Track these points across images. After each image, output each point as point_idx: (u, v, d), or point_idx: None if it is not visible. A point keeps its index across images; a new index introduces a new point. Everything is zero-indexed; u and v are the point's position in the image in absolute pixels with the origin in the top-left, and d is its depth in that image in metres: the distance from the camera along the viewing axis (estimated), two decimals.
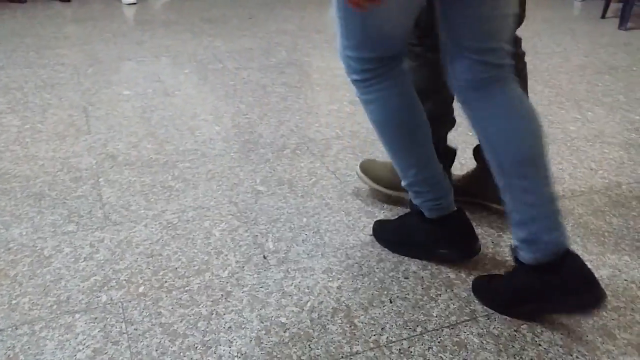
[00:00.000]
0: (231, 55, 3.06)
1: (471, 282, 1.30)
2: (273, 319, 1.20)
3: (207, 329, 1.17)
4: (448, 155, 1.54)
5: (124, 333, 1.17)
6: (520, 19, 1.34)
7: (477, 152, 1.54)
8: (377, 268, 1.36)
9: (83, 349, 1.13)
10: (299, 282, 1.31)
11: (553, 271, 1.11)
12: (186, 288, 1.30)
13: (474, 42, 1.10)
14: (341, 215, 1.58)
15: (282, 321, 1.20)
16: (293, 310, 1.23)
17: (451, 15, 1.09)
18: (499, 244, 1.45)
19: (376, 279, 1.32)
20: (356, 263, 1.38)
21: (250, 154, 1.94)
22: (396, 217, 1.47)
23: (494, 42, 1.10)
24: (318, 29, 3.63)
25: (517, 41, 1.37)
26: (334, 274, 1.34)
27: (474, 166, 1.58)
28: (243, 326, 1.18)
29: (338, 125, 2.17)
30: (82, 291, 1.29)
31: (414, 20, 1.13)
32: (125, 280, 1.32)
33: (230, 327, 1.18)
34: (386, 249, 1.42)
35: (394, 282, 1.31)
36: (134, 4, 4.34)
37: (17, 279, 1.32)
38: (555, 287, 1.11)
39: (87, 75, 2.73)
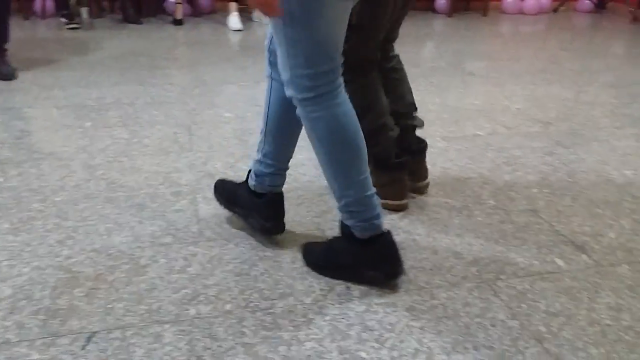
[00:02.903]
0: None
1: (562, 337, 1.23)
2: (353, 352, 1.20)
3: (288, 354, 1.19)
4: (421, 147, 1.85)
5: (208, 349, 1.20)
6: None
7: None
8: (463, 312, 1.32)
9: (168, 359, 1.17)
10: (381, 318, 1.30)
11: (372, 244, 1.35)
12: (270, 310, 1.32)
13: None
14: (428, 253, 1.55)
15: (362, 355, 1.19)
16: (373, 346, 1.21)
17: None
18: None
19: (461, 324, 1.29)
20: (441, 304, 1.35)
21: None
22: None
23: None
24: (415, 63, 3.64)
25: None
26: (416, 313, 1.32)
27: None
28: (322, 356, 1.19)
29: (430, 161, 2.15)
30: (172, 302, 1.34)
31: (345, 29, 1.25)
32: (213, 296, 1.37)
33: (310, 355, 1.19)
34: (473, 293, 1.38)
35: (479, 329, 1.27)
36: (240, 30, 4.55)
37: (114, 284, 1.40)
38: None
39: (193, 95, 2.88)
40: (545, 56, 3.89)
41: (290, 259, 1.52)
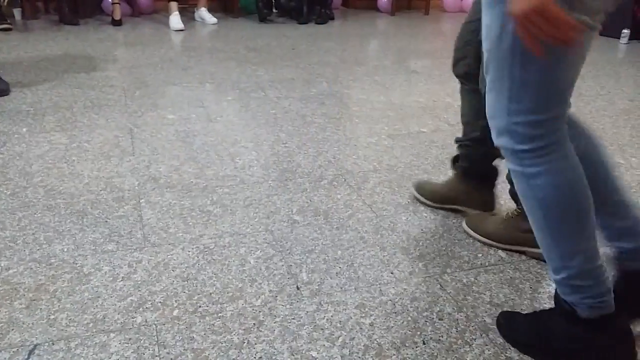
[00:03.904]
0: (273, 85, 3.12)
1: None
2: (304, 352, 1.20)
3: (238, 358, 1.18)
4: (491, 174, 1.74)
5: (156, 356, 1.18)
6: None
7: (456, 161, 1.77)
8: (411, 307, 1.35)
9: None
10: (331, 316, 1.31)
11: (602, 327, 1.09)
12: (219, 314, 1.30)
13: None
14: (376, 250, 1.57)
15: (313, 355, 1.19)
16: (324, 345, 1.22)
17: None
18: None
19: (409, 319, 1.31)
20: (390, 300, 1.37)
21: (288, 183, 1.96)
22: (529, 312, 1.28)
23: None
24: (359, 61, 3.68)
25: None
26: (367, 309, 1.33)
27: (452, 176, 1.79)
28: (273, 357, 1.18)
29: (376, 158, 2.17)
30: (118, 311, 1.31)
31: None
32: (160, 302, 1.34)
33: (261, 357, 1.18)
34: (420, 288, 1.41)
35: (427, 323, 1.29)
36: (182, 30, 4.48)
37: (56, 294, 1.35)
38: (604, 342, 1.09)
39: (134, 98, 2.81)
40: None
41: (239, 262, 1.50)
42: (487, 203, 1.75)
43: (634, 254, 1.16)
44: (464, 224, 1.68)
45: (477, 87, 1.52)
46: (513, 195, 1.57)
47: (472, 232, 1.64)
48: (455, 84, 1.73)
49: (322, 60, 3.69)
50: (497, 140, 1.06)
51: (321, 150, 2.24)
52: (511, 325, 1.24)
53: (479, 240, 1.62)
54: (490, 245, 1.59)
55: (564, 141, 1.03)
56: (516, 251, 1.56)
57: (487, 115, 1.07)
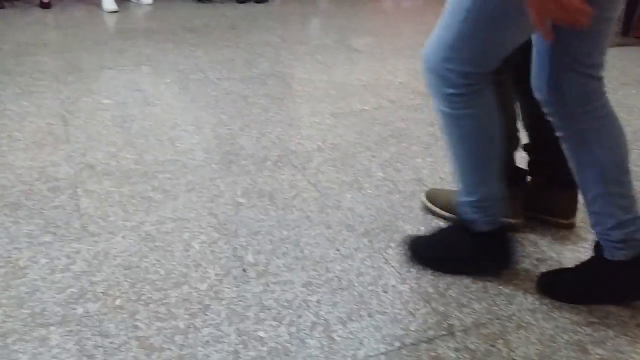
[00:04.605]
0: (213, 66, 3.06)
1: (449, 296, 1.31)
2: (251, 333, 1.20)
3: (185, 343, 1.16)
4: (520, 175, 1.61)
5: (99, 347, 1.15)
6: None
7: (534, 166, 1.61)
8: (357, 282, 1.36)
9: None
10: (279, 296, 1.31)
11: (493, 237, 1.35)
12: (164, 301, 1.28)
13: (588, 58, 1.14)
14: (322, 229, 1.58)
15: (261, 335, 1.19)
16: (272, 325, 1.22)
17: (568, 34, 1.11)
18: None
19: (356, 293, 1.32)
20: (336, 277, 1.38)
21: (232, 166, 1.93)
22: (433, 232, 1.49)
23: (602, 57, 1.16)
24: (301, 41, 3.65)
25: None
26: (313, 287, 1.34)
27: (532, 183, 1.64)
28: (221, 340, 1.17)
29: (320, 138, 2.18)
30: (57, 304, 1.27)
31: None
32: (102, 292, 1.30)
33: (208, 341, 1.17)
34: (366, 263, 1.43)
35: (373, 297, 1.31)
36: (116, 12, 4.32)
37: None
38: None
39: (67, 83, 2.70)
40: (425, 30, 4.05)
41: (183, 248, 1.48)
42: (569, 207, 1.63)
43: None
44: (423, 198, 1.70)
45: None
46: None
47: (430, 205, 1.67)
48: (396, 62, 1.74)
49: (263, 40, 3.64)
50: (425, 77, 1.20)
51: (265, 132, 2.22)
52: (416, 245, 1.44)
53: (437, 214, 1.65)
54: (449, 219, 1.62)
55: (487, 93, 1.17)
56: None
57: (423, 52, 1.18)
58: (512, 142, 1.54)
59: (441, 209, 1.65)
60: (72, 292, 1.31)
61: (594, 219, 1.25)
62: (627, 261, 1.24)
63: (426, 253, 1.43)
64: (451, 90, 1.16)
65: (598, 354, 1.16)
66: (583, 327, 1.23)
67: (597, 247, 1.28)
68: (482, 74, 1.15)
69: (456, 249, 1.39)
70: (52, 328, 1.20)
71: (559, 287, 1.33)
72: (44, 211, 1.63)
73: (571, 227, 1.60)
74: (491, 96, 1.20)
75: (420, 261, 1.43)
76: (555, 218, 1.61)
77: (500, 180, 1.31)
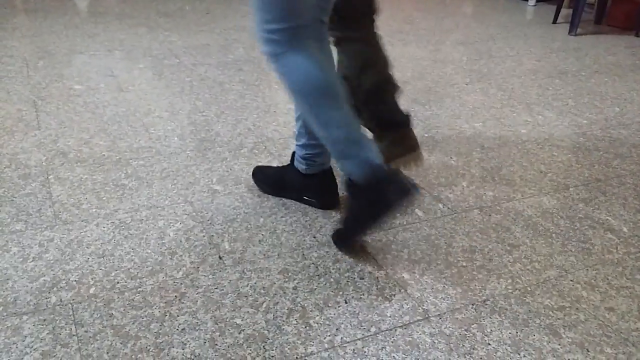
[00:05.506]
0: (187, 51, 3.02)
1: (424, 282, 1.32)
2: (228, 320, 1.20)
3: (160, 331, 1.16)
4: (407, 119, 1.73)
5: (73, 335, 1.14)
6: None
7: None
8: (333, 269, 1.37)
9: (31, 352, 1.09)
10: (255, 283, 1.31)
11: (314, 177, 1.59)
12: (139, 289, 1.27)
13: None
14: (298, 216, 1.58)
15: (237, 322, 1.19)
16: (248, 312, 1.22)
17: None
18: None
19: (332, 280, 1.33)
20: (312, 264, 1.38)
21: (207, 153, 1.92)
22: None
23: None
24: None
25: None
26: (290, 274, 1.34)
27: None
28: (197, 328, 1.17)
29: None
30: (30, 292, 1.25)
31: None
32: (75, 281, 1.29)
33: (184, 328, 1.17)
34: (342, 249, 1.44)
35: (349, 283, 1.32)
36: None
37: None
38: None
39: (37, 68, 2.64)
40: (400, 17, 4.05)
41: (158, 235, 1.46)
42: None
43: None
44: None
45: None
46: None
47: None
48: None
49: (239, 25, 3.60)
50: (261, 48, 1.31)
51: (240, 118, 2.20)
52: (263, 173, 1.70)
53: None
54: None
55: (305, 46, 1.28)
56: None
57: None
58: (388, 86, 1.66)
59: (269, 187, 1.76)
60: (44, 280, 1.29)
61: (296, 133, 1.54)
62: (306, 174, 1.58)
63: (267, 182, 1.69)
64: (271, 48, 1.28)
65: (569, 337, 1.19)
66: (555, 311, 1.26)
67: (293, 155, 1.60)
68: (299, 26, 1.26)
69: (288, 183, 1.64)
70: (25, 317, 1.18)
71: (258, 178, 1.70)
72: (14, 199, 1.59)
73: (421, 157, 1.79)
74: (315, 48, 1.30)
75: (262, 188, 1.70)
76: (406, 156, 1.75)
77: (334, 130, 1.35)
